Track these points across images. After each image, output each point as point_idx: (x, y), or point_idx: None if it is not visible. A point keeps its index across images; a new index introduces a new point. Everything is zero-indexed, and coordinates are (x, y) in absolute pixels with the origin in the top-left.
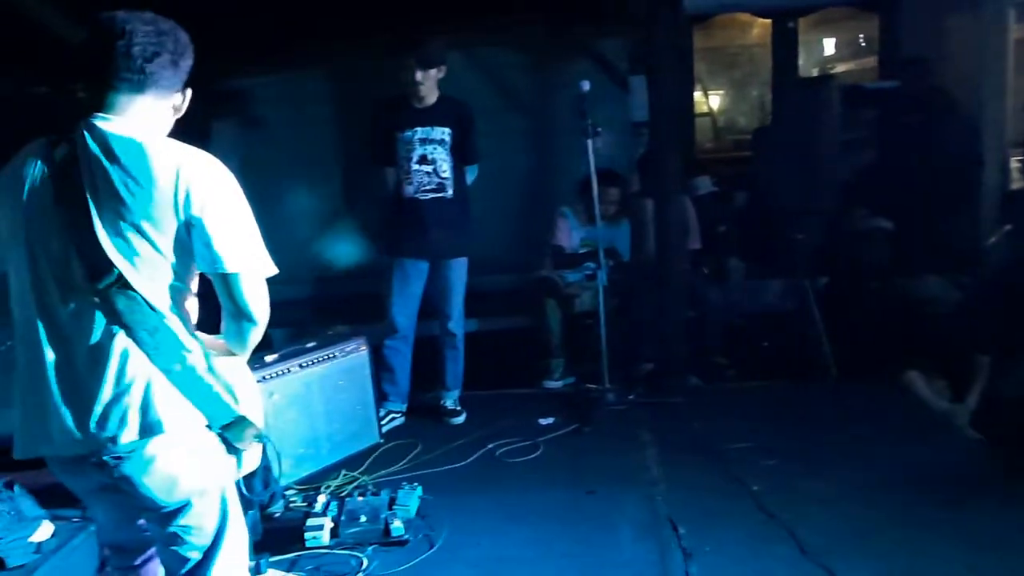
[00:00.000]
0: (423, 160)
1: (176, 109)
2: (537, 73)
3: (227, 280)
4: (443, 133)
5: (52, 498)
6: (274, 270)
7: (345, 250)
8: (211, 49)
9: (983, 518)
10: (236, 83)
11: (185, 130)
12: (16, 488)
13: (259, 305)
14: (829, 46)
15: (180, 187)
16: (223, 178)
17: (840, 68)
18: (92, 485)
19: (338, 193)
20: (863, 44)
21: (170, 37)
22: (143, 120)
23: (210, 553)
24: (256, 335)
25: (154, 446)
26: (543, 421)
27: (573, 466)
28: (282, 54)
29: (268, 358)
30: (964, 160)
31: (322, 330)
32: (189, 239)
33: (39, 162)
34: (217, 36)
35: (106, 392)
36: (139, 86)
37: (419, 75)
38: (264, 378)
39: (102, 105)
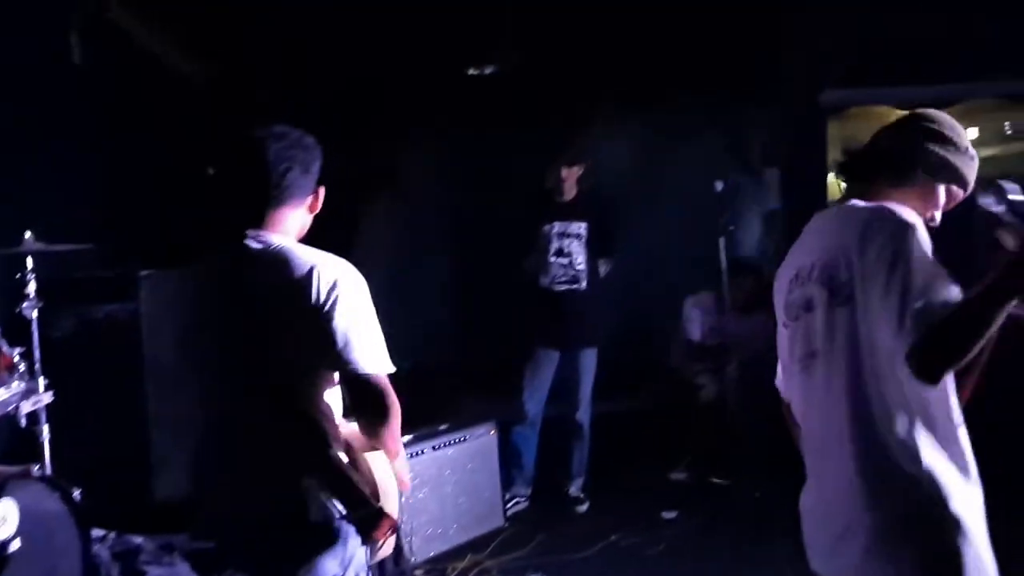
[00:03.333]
0: (559, 252)
1: (312, 210)
2: (677, 159)
3: (356, 380)
4: (580, 228)
5: (204, 562)
6: (393, 368)
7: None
8: (362, 129)
9: None
10: (384, 161)
11: (334, 202)
12: (175, 552)
13: (387, 403)
14: (972, 133)
15: (313, 286)
16: (353, 279)
17: (985, 153)
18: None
19: (478, 268)
20: (1008, 132)
21: (300, 148)
22: (285, 228)
23: None
24: (389, 430)
25: (296, 532)
26: (667, 514)
27: (697, 563)
28: (435, 134)
29: (403, 439)
30: None
31: (457, 399)
32: (322, 336)
33: (211, 276)
34: (367, 116)
35: (258, 479)
36: (278, 200)
37: (564, 172)
38: None
39: (249, 221)
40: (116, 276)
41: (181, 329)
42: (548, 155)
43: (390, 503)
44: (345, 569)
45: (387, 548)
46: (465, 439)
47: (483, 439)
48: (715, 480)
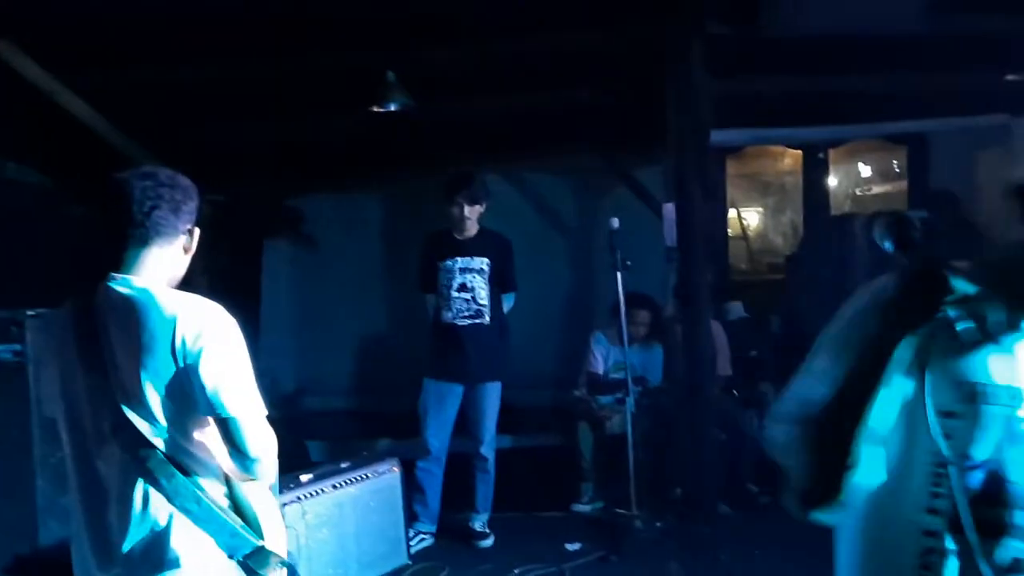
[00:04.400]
0: (462, 288)
1: (186, 250)
2: (578, 198)
3: (225, 424)
4: (482, 263)
5: None
6: (265, 412)
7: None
8: (271, 170)
9: None
10: (292, 203)
11: (239, 247)
12: None
13: (258, 445)
14: (864, 170)
15: (178, 336)
16: (220, 325)
17: (875, 190)
18: None
19: (383, 312)
20: (897, 170)
21: (167, 187)
22: (153, 270)
23: None
24: (264, 469)
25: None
26: (570, 546)
27: None
28: (338, 178)
29: (303, 477)
30: None
31: (362, 443)
32: (189, 385)
33: (67, 323)
34: (277, 158)
35: (130, 532)
36: (143, 239)
37: (466, 210)
38: (298, 498)
39: (116, 263)
40: (1, 318)
41: (56, 373)
42: (450, 193)
43: (277, 540)
44: None
45: None
46: (367, 476)
47: (385, 476)
48: (618, 511)
